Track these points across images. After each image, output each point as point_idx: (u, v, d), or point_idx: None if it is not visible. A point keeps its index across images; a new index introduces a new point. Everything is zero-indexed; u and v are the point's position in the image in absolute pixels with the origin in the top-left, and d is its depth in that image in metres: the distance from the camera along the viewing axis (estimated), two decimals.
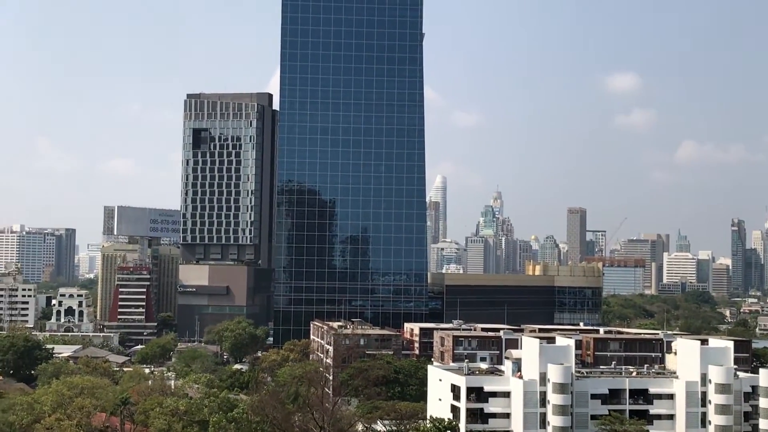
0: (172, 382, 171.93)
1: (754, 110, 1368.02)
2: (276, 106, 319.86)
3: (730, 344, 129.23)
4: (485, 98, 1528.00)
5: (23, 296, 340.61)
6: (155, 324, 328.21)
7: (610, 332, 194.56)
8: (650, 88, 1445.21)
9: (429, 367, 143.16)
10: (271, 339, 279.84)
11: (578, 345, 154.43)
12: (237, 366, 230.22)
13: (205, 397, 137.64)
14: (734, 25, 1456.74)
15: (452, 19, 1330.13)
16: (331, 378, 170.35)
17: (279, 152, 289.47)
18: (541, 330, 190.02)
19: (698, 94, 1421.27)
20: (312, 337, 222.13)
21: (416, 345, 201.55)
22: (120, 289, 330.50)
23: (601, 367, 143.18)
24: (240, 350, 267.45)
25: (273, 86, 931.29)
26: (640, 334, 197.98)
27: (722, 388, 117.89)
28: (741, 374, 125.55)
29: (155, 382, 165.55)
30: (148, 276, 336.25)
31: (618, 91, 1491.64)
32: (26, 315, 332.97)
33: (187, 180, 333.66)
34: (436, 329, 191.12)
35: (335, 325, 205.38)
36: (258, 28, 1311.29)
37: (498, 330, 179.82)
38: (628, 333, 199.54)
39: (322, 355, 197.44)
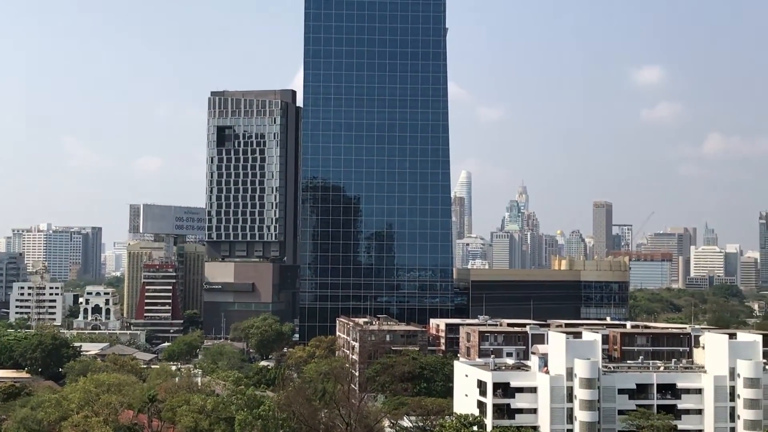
0: (199, 379, 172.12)
1: None
2: (300, 103, 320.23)
3: (759, 338, 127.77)
4: (509, 93, 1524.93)
5: (51, 294, 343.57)
6: (181, 321, 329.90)
7: (637, 327, 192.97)
8: (676, 82, 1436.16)
9: (455, 362, 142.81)
10: (297, 335, 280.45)
11: (605, 340, 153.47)
12: (263, 363, 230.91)
13: (231, 394, 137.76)
14: (759, 17, 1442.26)
15: (476, 13, 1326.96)
16: (357, 374, 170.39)
17: (303, 149, 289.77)
18: (567, 325, 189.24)
19: (724, 87, 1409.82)
20: (338, 333, 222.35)
21: (442, 341, 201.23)
22: (146, 287, 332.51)
23: (628, 361, 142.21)
24: (266, 347, 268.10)
25: (297, 83, 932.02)
26: (668, 328, 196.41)
27: (751, 383, 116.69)
28: None
29: (182, 379, 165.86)
30: (174, 273, 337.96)
31: (643, 85, 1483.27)
32: (54, 313, 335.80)
33: (211, 178, 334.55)
34: (462, 325, 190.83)
35: (361, 321, 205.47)
36: (281, 25, 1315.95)
37: (524, 325, 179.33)
38: (655, 327, 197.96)
39: (348, 352, 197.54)
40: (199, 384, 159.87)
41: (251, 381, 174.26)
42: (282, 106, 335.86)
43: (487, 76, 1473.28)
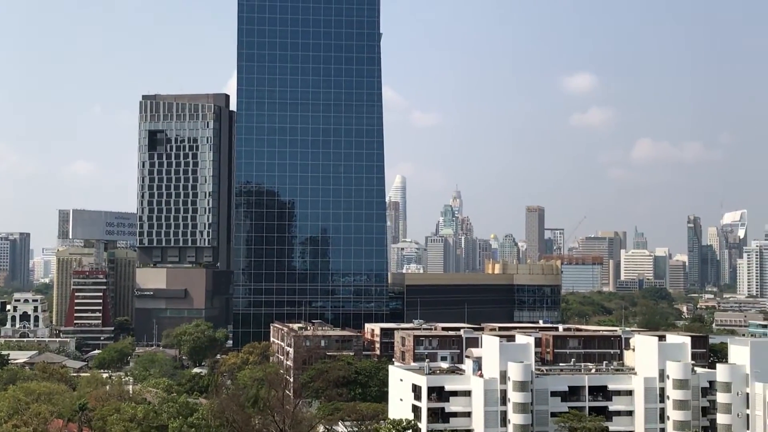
0: (131, 387, 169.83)
1: (711, 109, 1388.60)
2: (233, 107, 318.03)
3: (688, 340, 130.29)
4: (444, 98, 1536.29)
5: None
6: (112, 328, 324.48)
7: (569, 329, 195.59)
8: (607, 88, 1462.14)
9: (390, 367, 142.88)
10: (230, 342, 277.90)
11: (538, 343, 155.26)
12: (196, 370, 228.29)
13: (163, 402, 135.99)
14: (689, 25, 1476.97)
15: (411, 19, 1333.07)
16: (291, 380, 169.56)
17: (236, 153, 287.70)
18: (501, 328, 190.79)
19: (654, 94, 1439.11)
20: (272, 339, 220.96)
21: (377, 345, 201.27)
22: (76, 294, 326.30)
23: (560, 364, 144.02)
24: (199, 354, 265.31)
25: (231, 88, 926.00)
26: (599, 331, 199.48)
27: (680, 384, 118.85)
28: (698, 369, 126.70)
29: (113, 387, 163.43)
30: (105, 280, 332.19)
31: (575, 91, 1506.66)
32: None
33: (143, 182, 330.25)
34: (397, 329, 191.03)
35: (295, 326, 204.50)
36: (215, 29, 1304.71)
37: (458, 329, 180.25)
38: (586, 330, 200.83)
39: (282, 357, 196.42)
40: (131, 392, 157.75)
41: (184, 388, 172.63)
42: (215, 110, 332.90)
43: (422, 81, 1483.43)
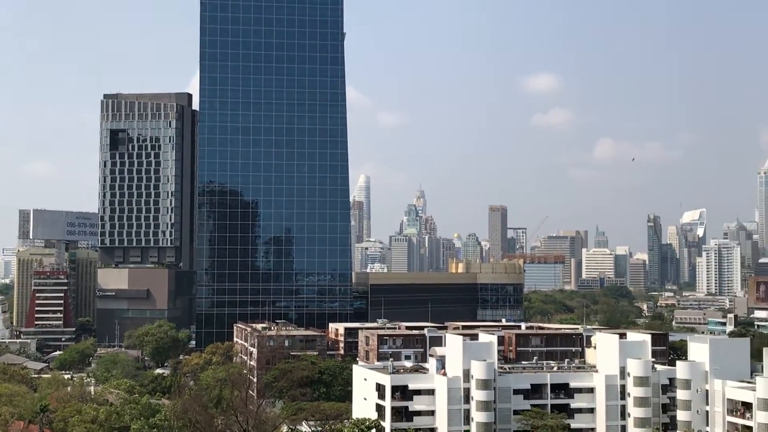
0: (92, 388, 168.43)
1: (670, 109, 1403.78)
2: (196, 106, 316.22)
3: (648, 338, 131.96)
4: (408, 98, 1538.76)
5: None
6: (74, 329, 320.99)
7: (531, 328, 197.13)
8: (568, 88, 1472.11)
9: (354, 366, 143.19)
10: (193, 342, 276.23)
11: (501, 341, 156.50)
12: (159, 371, 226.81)
13: (125, 403, 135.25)
14: (649, 26, 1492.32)
15: (375, 19, 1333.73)
16: (255, 380, 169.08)
17: (199, 153, 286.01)
18: (464, 327, 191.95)
19: (615, 94, 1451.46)
20: (235, 339, 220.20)
21: (341, 345, 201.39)
22: (37, 295, 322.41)
23: (523, 362, 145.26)
24: (161, 354, 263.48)
25: (194, 87, 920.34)
26: (561, 329, 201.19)
27: (640, 381, 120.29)
28: (658, 367, 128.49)
29: (74, 388, 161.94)
30: (66, 280, 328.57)
31: (537, 91, 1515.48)
32: None
33: (104, 182, 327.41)
34: (361, 329, 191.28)
35: (259, 326, 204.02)
36: (178, 28, 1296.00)
37: (422, 328, 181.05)
38: (548, 328, 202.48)
39: (246, 358, 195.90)
40: (92, 393, 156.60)
41: (146, 389, 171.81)
42: (177, 109, 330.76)
43: (386, 81, 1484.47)
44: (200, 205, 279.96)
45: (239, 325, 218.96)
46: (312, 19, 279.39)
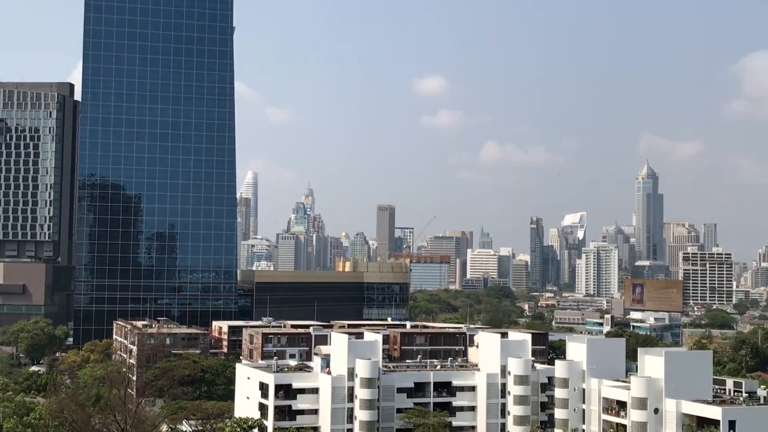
0: None
1: (555, 114, 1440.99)
2: (78, 96, 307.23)
3: (528, 337, 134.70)
4: (299, 96, 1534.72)
5: None
6: None
7: (416, 327, 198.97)
8: (455, 91, 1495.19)
9: (237, 365, 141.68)
10: (71, 339, 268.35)
11: (386, 340, 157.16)
12: (34, 368, 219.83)
13: None
14: (537, 32, 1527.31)
15: (266, 15, 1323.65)
16: (134, 379, 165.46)
17: (81, 145, 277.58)
18: (350, 326, 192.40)
19: (502, 98, 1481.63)
20: (115, 337, 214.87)
21: (225, 343, 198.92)
22: None
23: (407, 361, 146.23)
24: (37, 351, 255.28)
25: (76, 77, 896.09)
26: (445, 328, 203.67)
27: (520, 380, 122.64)
28: (538, 366, 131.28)
29: None
30: None
31: (426, 93, 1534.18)
32: None
33: None
34: (245, 327, 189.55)
35: (139, 324, 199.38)
36: (61, 15, 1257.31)
37: (308, 326, 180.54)
38: (433, 327, 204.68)
39: (125, 356, 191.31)
40: None
41: (20, 387, 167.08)
42: (59, 99, 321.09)
43: (276, 78, 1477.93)
44: (80, 199, 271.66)
45: (119, 323, 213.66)
46: (201, 12, 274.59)
